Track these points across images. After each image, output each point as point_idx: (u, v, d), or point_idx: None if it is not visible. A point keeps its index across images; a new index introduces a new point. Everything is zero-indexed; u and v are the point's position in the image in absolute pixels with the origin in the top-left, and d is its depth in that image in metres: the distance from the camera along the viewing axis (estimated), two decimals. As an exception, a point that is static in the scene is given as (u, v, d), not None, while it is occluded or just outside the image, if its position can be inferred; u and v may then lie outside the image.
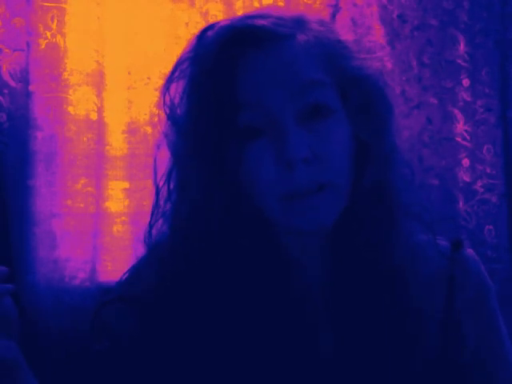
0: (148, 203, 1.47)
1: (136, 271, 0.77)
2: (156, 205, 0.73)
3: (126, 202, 1.51)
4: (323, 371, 0.68)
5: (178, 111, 0.70)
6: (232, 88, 0.66)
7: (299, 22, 0.69)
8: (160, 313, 0.69)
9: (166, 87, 0.71)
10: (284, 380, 0.66)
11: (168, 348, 0.68)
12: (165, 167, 0.72)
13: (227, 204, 0.67)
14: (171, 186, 0.71)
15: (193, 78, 0.69)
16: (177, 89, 0.71)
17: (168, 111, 0.71)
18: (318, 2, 1.61)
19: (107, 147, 1.50)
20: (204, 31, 0.70)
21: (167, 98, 0.71)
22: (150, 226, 0.72)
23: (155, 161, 0.73)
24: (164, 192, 0.72)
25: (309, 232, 0.68)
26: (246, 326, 0.67)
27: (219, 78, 0.66)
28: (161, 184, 0.72)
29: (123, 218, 1.51)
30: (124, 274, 0.77)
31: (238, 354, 0.66)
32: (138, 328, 0.69)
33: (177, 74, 0.71)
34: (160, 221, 0.73)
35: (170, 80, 0.71)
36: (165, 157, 0.73)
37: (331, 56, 0.68)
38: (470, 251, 0.76)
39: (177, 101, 0.71)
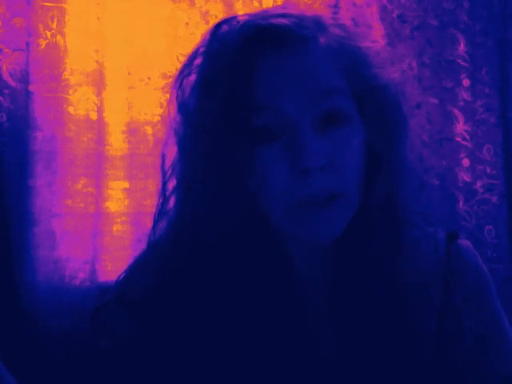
0: (148, 203, 1.48)
1: (134, 270, 0.77)
2: (162, 202, 0.71)
3: (126, 202, 1.51)
4: (323, 371, 0.68)
5: (190, 107, 0.68)
6: (248, 87, 0.63)
7: (319, 24, 0.67)
8: (159, 313, 0.68)
9: (179, 81, 0.69)
10: (284, 380, 0.66)
11: (167, 348, 0.67)
12: (170, 164, 0.71)
13: (234, 206, 0.65)
14: (177, 184, 0.70)
15: (208, 72, 0.67)
16: (189, 83, 0.69)
17: (180, 106, 0.69)
18: (318, 2, 1.60)
19: (107, 147, 1.49)
20: (219, 25, 0.68)
21: (179, 93, 0.69)
22: (155, 222, 0.71)
23: (163, 156, 0.71)
24: (170, 189, 0.70)
25: (316, 243, 0.67)
26: (247, 328, 0.66)
27: (236, 76, 0.64)
28: (168, 181, 0.70)
29: (123, 217, 1.51)
30: (122, 273, 0.76)
31: (239, 354, 0.66)
32: (137, 328, 0.69)
33: (190, 67, 0.69)
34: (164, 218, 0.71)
35: (182, 73, 0.69)
36: (169, 154, 0.71)
37: (350, 63, 0.66)
38: (465, 242, 0.75)
39: (188, 96, 0.68)
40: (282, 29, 0.64)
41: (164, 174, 0.71)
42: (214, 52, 0.67)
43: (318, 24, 0.67)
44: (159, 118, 1.51)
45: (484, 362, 0.71)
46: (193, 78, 0.69)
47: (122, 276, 0.76)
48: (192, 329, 0.67)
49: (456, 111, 1.70)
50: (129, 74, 1.51)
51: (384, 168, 0.67)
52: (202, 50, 0.69)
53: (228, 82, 0.64)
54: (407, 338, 0.68)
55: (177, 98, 0.69)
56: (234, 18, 0.69)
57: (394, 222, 0.68)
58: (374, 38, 1.53)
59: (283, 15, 0.66)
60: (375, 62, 0.68)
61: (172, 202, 0.71)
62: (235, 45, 0.64)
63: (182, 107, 0.69)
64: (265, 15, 0.67)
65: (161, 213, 0.71)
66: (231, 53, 0.64)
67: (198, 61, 0.69)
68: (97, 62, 1.48)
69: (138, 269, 0.76)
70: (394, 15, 1.67)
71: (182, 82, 0.69)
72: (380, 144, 0.67)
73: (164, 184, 0.71)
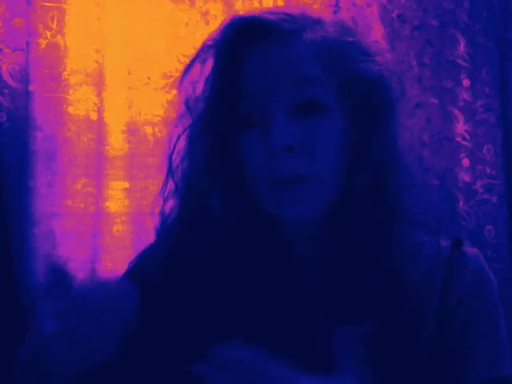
0: (148, 203, 1.48)
1: (146, 252, 0.80)
2: (165, 183, 0.75)
3: (126, 202, 1.51)
4: (321, 358, 0.68)
5: (193, 97, 0.74)
6: (237, 77, 0.69)
7: (306, 20, 0.71)
8: (165, 293, 0.71)
9: (184, 74, 0.75)
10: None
11: (170, 329, 0.70)
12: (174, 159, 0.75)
13: (232, 190, 0.71)
14: (183, 168, 0.74)
15: (209, 66, 0.73)
16: (191, 77, 0.75)
17: (184, 96, 0.74)
18: (318, 2, 1.61)
19: (107, 147, 1.50)
20: (224, 23, 0.73)
21: (184, 85, 0.75)
22: (164, 199, 0.74)
23: (170, 139, 0.75)
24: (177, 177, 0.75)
25: (294, 220, 0.70)
26: (246, 314, 0.69)
27: (227, 67, 0.70)
28: (174, 164, 0.75)
29: (123, 217, 1.51)
30: (130, 263, 0.79)
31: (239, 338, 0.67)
32: (143, 308, 0.71)
33: (193, 63, 0.74)
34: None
35: (186, 69, 0.75)
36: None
37: (335, 56, 0.69)
38: (471, 249, 0.76)
39: (190, 89, 0.74)
40: (265, 22, 0.69)
41: (169, 169, 0.75)
42: (212, 48, 0.73)
43: (305, 20, 0.71)
44: (159, 117, 1.51)
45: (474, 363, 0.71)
46: (194, 72, 0.74)
47: (136, 257, 0.79)
48: (193, 315, 0.69)
49: (456, 111, 1.70)
50: (129, 73, 1.51)
51: (363, 156, 0.70)
52: (204, 45, 0.74)
53: (221, 73, 0.71)
54: (405, 334, 0.68)
55: (181, 89, 0.75)
56: (235, 16, 0.73)
57: (382, 211, 0.70)
58: (374, 38, 1.53)
59: (271, 12, 0.71)
60: (363, 55, 0.71)
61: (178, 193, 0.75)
62: (225, 39, 0.71)
63: (186, 97, 0.74)
64: (259, 12, 0.72)
65: (164, 190, 0.75)
66: (223, 47, 0.71)
67: (200, 56, 0.74)
68: (97, 62, 1.48)
69: (149, 251, 0.79)
70: (394, 15, 1.67)
71: (185, 76, 0.75)
72: (362, 133, 0.70)
73: (167, 177, 0.75)
